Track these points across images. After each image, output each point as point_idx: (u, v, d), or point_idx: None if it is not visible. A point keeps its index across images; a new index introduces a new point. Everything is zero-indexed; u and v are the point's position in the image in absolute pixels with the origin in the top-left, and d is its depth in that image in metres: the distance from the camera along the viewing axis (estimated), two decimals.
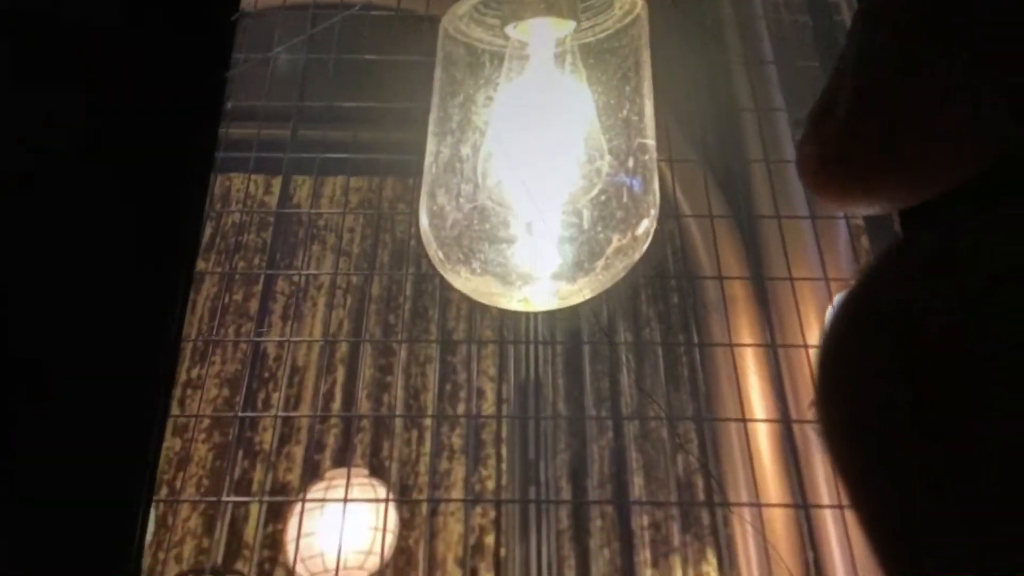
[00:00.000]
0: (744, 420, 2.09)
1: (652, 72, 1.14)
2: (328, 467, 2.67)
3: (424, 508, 2.69)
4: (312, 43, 1.68)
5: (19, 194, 0.78)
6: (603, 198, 1.08)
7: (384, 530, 2.25)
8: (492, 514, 2.67)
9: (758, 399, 2.08)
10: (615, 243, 1.07)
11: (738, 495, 2.22)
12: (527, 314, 1.95)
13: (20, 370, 0.74)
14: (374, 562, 2.26)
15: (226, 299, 2.79)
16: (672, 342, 2.68)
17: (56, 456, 0.73)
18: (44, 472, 0.72)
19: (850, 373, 0.32)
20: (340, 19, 1.49)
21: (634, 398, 2.71)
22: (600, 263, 1.07)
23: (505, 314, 1.98)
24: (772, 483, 2.06)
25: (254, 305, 2.86)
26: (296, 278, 2.82)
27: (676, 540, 2.48)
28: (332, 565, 2.10)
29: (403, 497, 2.68)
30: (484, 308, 2.09)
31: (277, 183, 3.01)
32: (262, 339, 2.84)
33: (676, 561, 2.45)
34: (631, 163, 1.10)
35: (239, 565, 2.54)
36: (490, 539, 2.63)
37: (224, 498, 2.56)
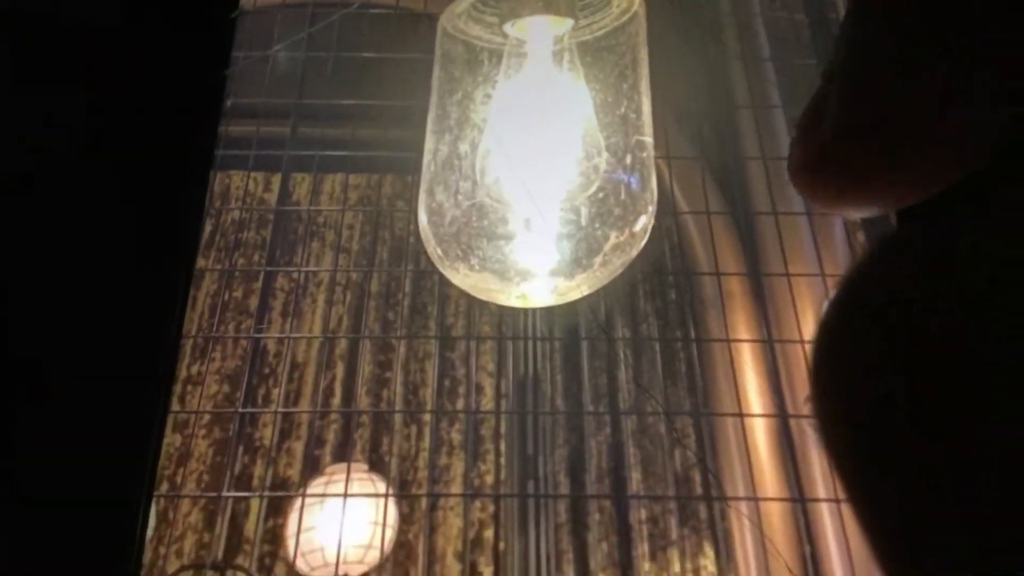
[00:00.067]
0: (741, 415, 2.09)
1: (650, 70, 1.14)
2: (328, 462, 2.67)
3: (424, 503, 2.69)
4: (311, 41, 1.68)
5: (19, 194, 0.78)
6: (601, 195, 1.08)
7: (384, 525, 2.26)
8: (491, 508, 2.68)
9: (755, 394, 2.08)
10: (613, 240, 1.08)
11: (735, 489, 2.22)
12: (525, 310, 1.95)
13: (20, 370, 0.74)
14: (374, 556, 2.27)
15: (226, 296, 2.80)
16: (669, 338, 2.69)
17: (56, 455, 0.73)
18: (44, 471, 0.72)
19: (842, 367, 0.32)
20: (339, 17, 1.49)
21: (632, 393, 2.72)
22: (598, 259, 1.07)
23: (504, 310, 1.98)
24: (769, 477, 2.07)
25: (254, 302, 2.87)
26: (296, 275, 2.82)
27: (674, 534, 2.49)
28: (332, 559, 2.11)
29: (403, 492, 2.69)
30: (483, 304, 2.10)
31: (276, 180, 3.01)
32: (262, 335, 2.85)
33: (674, 554, 2.45)
34: (629, 160, 1.10)
35: (240, 560, 2.54)
36: (489, 533, 2.63)
37: (225, 493, 2.56)
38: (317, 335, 2.90)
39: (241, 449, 2.69)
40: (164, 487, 2.30)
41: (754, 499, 1.95)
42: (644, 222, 1.09)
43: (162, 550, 2.34)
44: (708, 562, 2.42)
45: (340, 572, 2.22)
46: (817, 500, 1.97)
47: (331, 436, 2.77)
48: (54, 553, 0.70)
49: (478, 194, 1.08)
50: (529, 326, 2.32)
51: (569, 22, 1.11)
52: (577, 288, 1.09)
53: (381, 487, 2.35)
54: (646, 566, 2.47)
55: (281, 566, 2.57)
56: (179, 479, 2.38)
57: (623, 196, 1.09)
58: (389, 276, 2.96)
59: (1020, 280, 0.28)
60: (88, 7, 0.86)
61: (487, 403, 2.84)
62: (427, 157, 1.12)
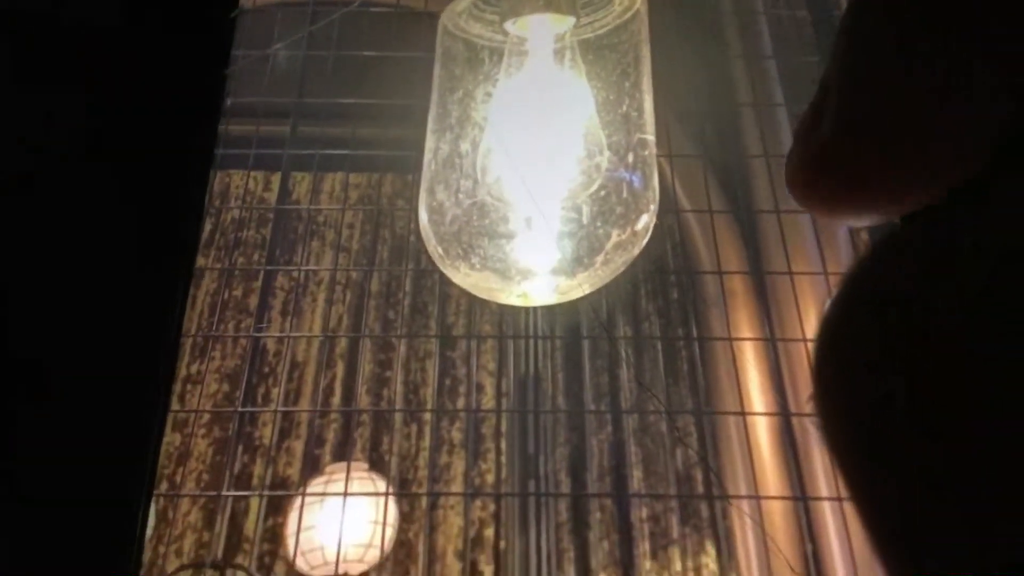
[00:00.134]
0: (743, 414, 2.09)
1: (652, 68, 1.14)
2: (328, 461, 2.67)
3: (424, 502, 2.69)
4: (311, 39, 1.68)
5: (19, 194, 0.78)
6: (602, 193, 1.08)
7: (384, 524, 2.26)
8: (492, 507, 2.68)
9: (757, 393, 2.08)
10: (614, 238, 1.07)
11: (737, 488, 2.22)
12: (527, 309, 1.95)
13: (20, 370, 0.74)
14: (374, 555, 2.27)
15: (226, 295, 2.79)
16: (671, 336, 2.68)
17: (56, 455, 0.72)
18: (44, 471, 0.72)
19: (844, 365, 0.32)
20: (339, 15, 1.49)
21: (633, 392, 2.72)
22: (599, 258, 1.07)
23: (504, 309, 1.98)
24: (771, 476, 2.07)
25: (254, 301, 2.87)
26: (295, 274, 2.82)
27: (675, 532, 2.49)
28: (332, 558, 2.11)
29: (403, 491, 2.69)
30: (483, 303, 2.10)
31: (276, 179, 3.00)
32: (262, 335, 2.84)
33: (675, 553, 2.45)
34: (631, 158, 1.10)
35: (239, 559, 2.54)
36: (490, 532, 2.63)
37: (224, 492, 2.56)
38: (317, 334, 2.90)
39: (241, 448, 2.69)
40: (164, 486, 2.29)
41: (756, 497, 1.95)
42: (646, 220, 1.08)
43: (161, 549, 2.34)
44: (710, 561, 2.41)
45: (340, 571, 2.22)
46: (819, 499, 1.97)
47: (331, 435, 2.77)
48: (53, 553, 0.70)
49: (479, 193, 1.08)
50: (530, 325, 2.32)
51: (571, 20, 1.11)
52: (579, 287, 1.09)
53: (381, 486, 2.35)
54: (647, 565, 2.47)
55: (281, 565, 2.57)
56: (179, 478, 2.38)
57: (625, 194, 1.09)
58: (389, 275, 2.96)
59: (1019, 274, 0.27)
60: (88, 7, 0.86)
61: (488, 402, 2.84)
62: (428, 156, 1.12)
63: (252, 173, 2.80)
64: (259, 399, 2.78)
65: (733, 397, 2.13)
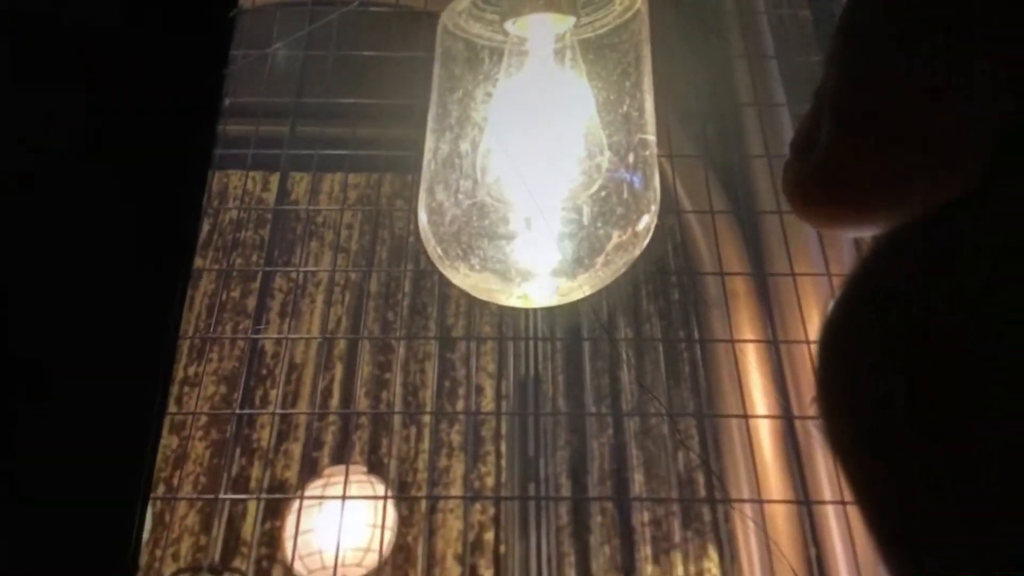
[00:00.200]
0: (745, 416, 2.08)
1: (652, 67, 1.14)
2: (326, 464, 2.67)
3: (423, 505, 2.69)
4: (310, 39, 1.68)
5: (19, 194, 0.78)
6: (603, 194, 1.08)
7: (383, 527, 2.25)
8: (491, 511, 2.67)
9: (759, 395, 2.07)
10: (615, 239, 1.07)
11: (739, 491, 2.22)
12: (526, 310, 1.95)
13: (20, 370, 0.74)
14: (372, 559, 2.26)
15: (224, 296, 2.79)
16: (673, 338, 2.68)
17: (55, 456, 0.72)
18: (43, 472, 0.72)
19: (846, 365, 0.32)
20: (338, 15, 1.49)
21: (634, 394, 2.71)
22: (600, 259, 1.07)
23: (504, 310, 1.97)
24: (773, 479, 2.06)
25: (252, 302, 2.86)
26: (294, 275, 2.82)
27: (677, 536, 2.48)
28: (330, 562, 2.10)
29: (402, 494, 2.68)
30: (483, 304, 2.09)
31: (275, 180, 3.00)
32: (260, 336, 2.84)
33: (677, 557, 2.45)
34: (631, 159, 1.10)
35: (237, 562, 2.54)
36: (490, 536, 2.63)
37: (222, 495, 2.56)
38: (316, 336, 2.90)
39: (238, 451, 2.68)
40: (160, 489, 2.29)
41: (759, 501, 1.94)
42: (647, 221, 1.08)
43: (158, 553, 2.33)
44: (712, 565, 2.41)
45: (338, 575, 2.21)
46: (822, 502, 1.96)
47: (329, 438, 2.76)
48: (52, 553, 0.69)
49: (479, 193, 1.08)
50: (530, 326, 2.32)
51: (571, 20, 1.11)
52: (579, 288, 1.09)
53: (380, 489, 2.34)
54: (649, 569, 2.46)
55: (279, 569, 2.56)
56: (176, 481, 2.37)
57: (626, 195, 1.08)
58: (388, 276, 2.95)
59: (1019, 273, 0.27)
60: (88, 7, 0.85)
61: (487, 404, 2.84)
62: (427, 156, 1.11)
63: (251, 173, 2.80)
64: (257, 401, 2.77)
65: (735, 400, 2.12)
